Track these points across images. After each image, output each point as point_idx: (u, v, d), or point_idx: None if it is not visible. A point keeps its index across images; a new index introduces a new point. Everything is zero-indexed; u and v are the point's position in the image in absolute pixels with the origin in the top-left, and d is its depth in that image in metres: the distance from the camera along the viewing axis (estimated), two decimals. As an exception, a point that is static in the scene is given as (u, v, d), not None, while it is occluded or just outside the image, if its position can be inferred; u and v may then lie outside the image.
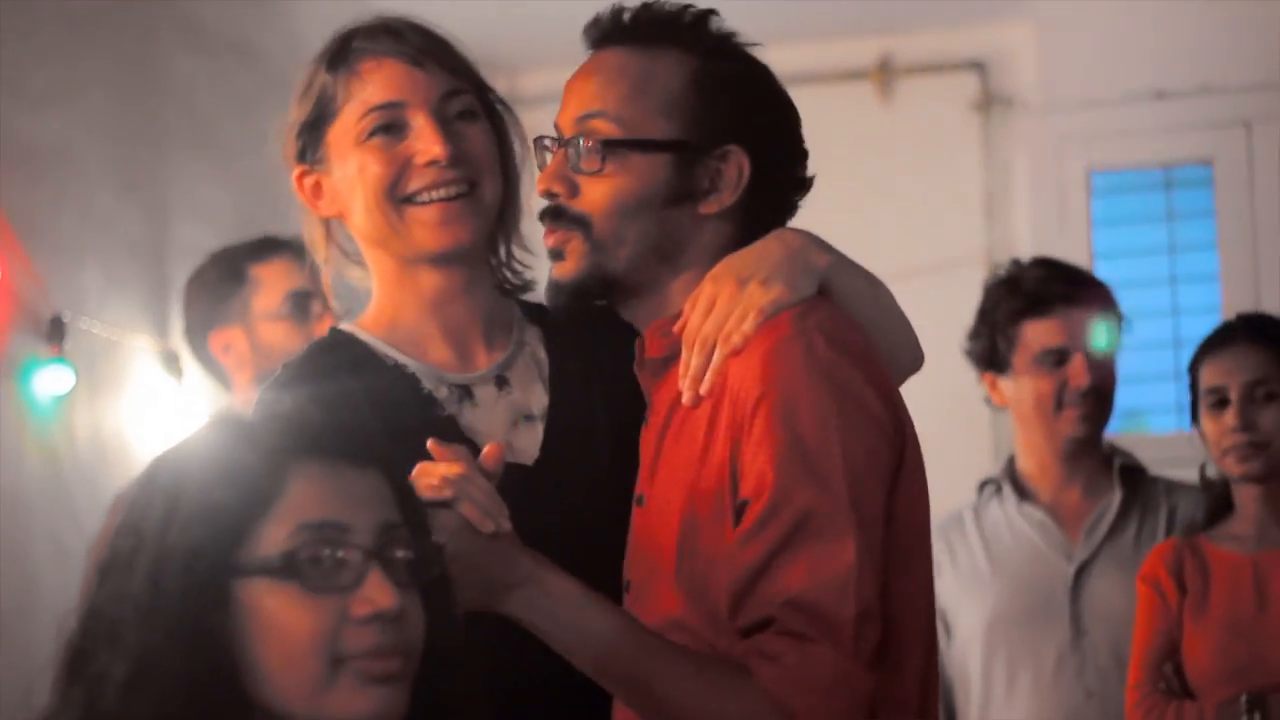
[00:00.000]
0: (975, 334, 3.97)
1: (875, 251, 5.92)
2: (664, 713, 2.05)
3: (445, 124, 2.32)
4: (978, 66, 5.93)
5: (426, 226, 2.32)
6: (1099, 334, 3.87)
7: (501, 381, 2.37)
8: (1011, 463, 3.98)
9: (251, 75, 5.21)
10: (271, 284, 3.90)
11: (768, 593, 2.02)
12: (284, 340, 3.81)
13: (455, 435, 2.24)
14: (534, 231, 2.41)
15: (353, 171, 2.33)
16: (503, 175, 2.40)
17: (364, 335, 2.38)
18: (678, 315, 2.21)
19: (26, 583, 4.19)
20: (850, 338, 2.16)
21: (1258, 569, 3.51)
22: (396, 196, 2.32)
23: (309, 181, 2.40)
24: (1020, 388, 3.89)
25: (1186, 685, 3.48)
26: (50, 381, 4.38)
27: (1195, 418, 3.65)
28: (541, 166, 2.30)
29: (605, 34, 2.28)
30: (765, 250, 2.21)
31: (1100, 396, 3.85)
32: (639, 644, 2.05)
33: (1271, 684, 3.40)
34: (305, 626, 1.65)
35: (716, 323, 2.14)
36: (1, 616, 4.10)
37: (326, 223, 2.43)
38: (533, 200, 2.40)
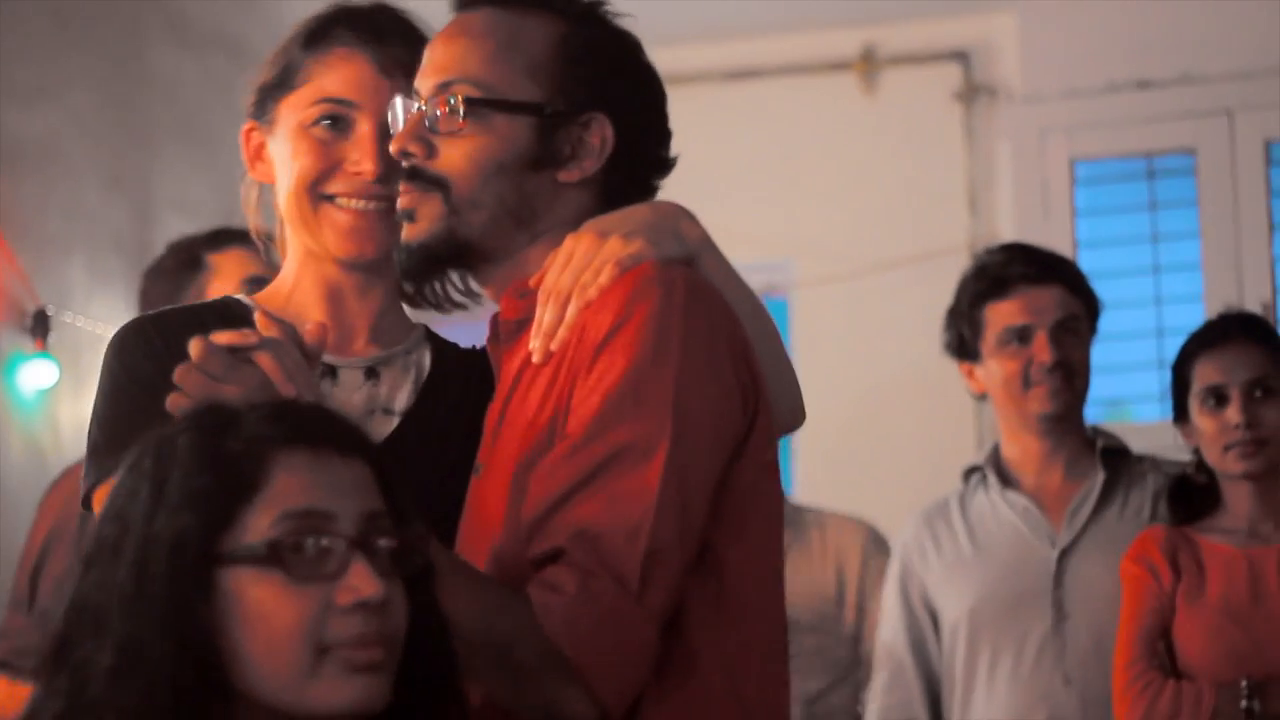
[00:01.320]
0: (946, 324, 3.99)
1: (858, 242, 6.01)
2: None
3: (386, 139, 2.26)
4: (961, 57, 5.94)
5: (337, 230, 2.30)
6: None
7: (371, 373, 2.34)
8: (996, 450, 3.99)
9: (237, 70, 5.20)
10: (227, 271, 3.88)
11: (562, 522, 1.94)
12: None
13: None
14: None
15: (287, 151, 2.32)
16: None
17: (250, 303, 2.35)
18: (532, 278, 2.16)
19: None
20: (713, 296, 2.09)
21: (1252, 563, 3.51)
22: (317, 193, 2.30)
23: (255, 139, 2.38)
24: (990, 371, 3.90)
25: (1176, 667, 3.49)
26: (34, 376, 4.38)
27: (1181, 414, 3.65)
28: (393, 131, 2.24)
29: None
30: (633, 211, 2.17)
31: (1068, 371, 3.84)
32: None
33: (1267, 673, 3.40)
34: (289, 615, 1.65)
35: (573, 274, 2.08)
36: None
37: (260, 186, 2.41)
38: None
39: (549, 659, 1.91)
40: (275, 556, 1.66)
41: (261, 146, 2.38)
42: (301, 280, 2.37)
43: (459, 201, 2.15)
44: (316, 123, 2.31)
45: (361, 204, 2.29)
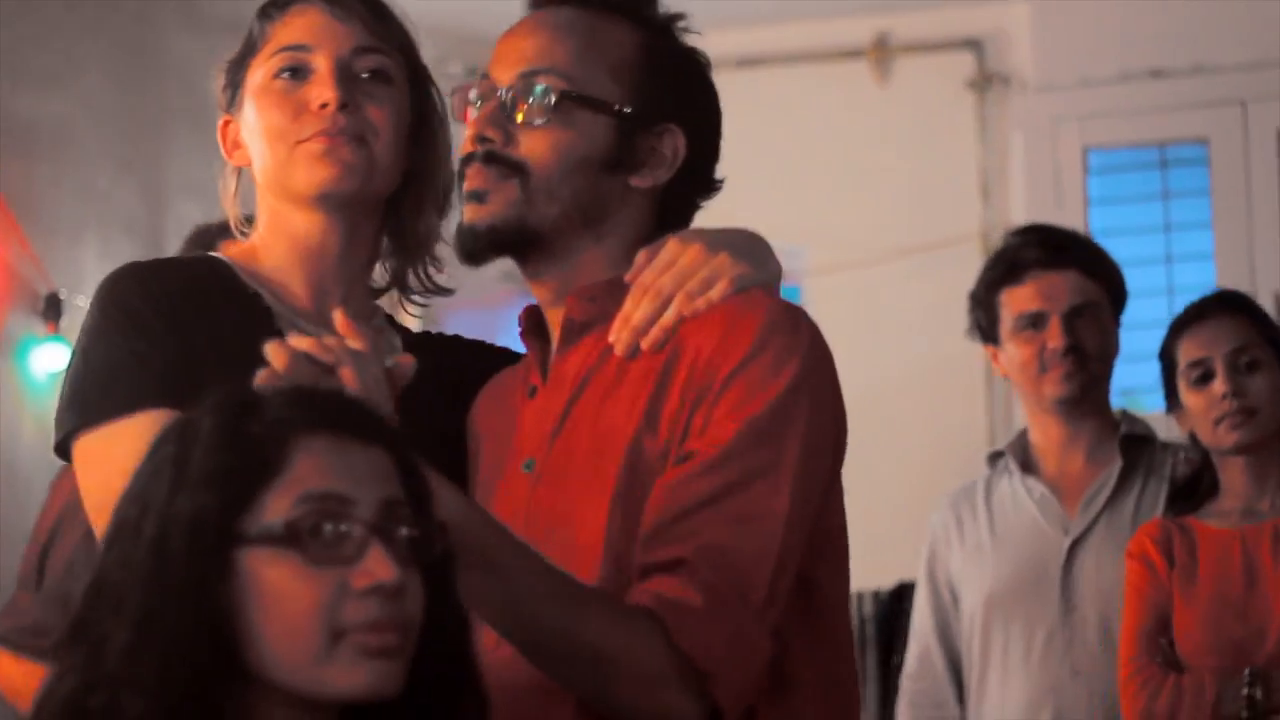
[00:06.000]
0: (969, 308, 3.99)
1: (871, 230, 6.01)
2: (542, 638, 1.96)
3: (347, 76, 2.29)
4: (974, 45, 5.95)
5: (310, 160, 2.28)
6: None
7: None
8: (1023, 435, 3.99)
9: (248, 54, 5.22)
10: None
11: (685, 534, 1.98)
12: None
13: None
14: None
15: (253, 113, 2.33)
16: (419, 147, 2.37)
17: (229, 260, 2.35)
18: (606, 282, 2.18)
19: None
20: (819, 332, 2.15)
21: (1245, 543, 3.51)
22: (290, 140, 2.29)
23: (231, 131, 2.39)
24: (1008, 355, 3.91)
25: (1178, 659, 3.49)
26: (47, 359, 4.39)
27: (1173, 400, 3.66)
28: (460, 116, 2.25)
29: None
30: (733, 231, 2.21)
31: (1081, 355, 3.84)
32: (515, 552, 1.95)
33: (1269, 659, 3.40)
34: (304, 597, 1.66)
35: (678, 278, 2.11)
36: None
37: (239, 174, 2.41)
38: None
39: (672, 669, 1.95)
40: (293, 538, 1.66)
41: (236, 133, 2.39)
42: (271, 243, 2.36)
43: (536, 191, 2.16)
44: (277, 75, 2.32)
45: (330, 137, 2.28)
